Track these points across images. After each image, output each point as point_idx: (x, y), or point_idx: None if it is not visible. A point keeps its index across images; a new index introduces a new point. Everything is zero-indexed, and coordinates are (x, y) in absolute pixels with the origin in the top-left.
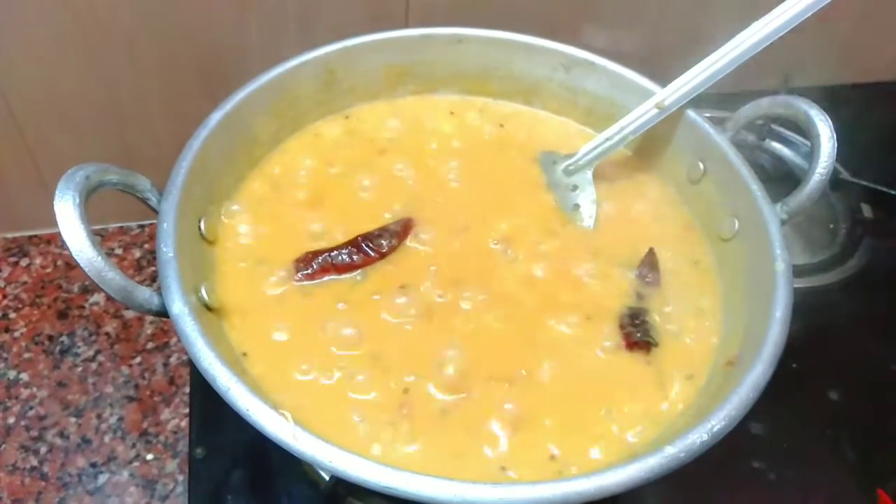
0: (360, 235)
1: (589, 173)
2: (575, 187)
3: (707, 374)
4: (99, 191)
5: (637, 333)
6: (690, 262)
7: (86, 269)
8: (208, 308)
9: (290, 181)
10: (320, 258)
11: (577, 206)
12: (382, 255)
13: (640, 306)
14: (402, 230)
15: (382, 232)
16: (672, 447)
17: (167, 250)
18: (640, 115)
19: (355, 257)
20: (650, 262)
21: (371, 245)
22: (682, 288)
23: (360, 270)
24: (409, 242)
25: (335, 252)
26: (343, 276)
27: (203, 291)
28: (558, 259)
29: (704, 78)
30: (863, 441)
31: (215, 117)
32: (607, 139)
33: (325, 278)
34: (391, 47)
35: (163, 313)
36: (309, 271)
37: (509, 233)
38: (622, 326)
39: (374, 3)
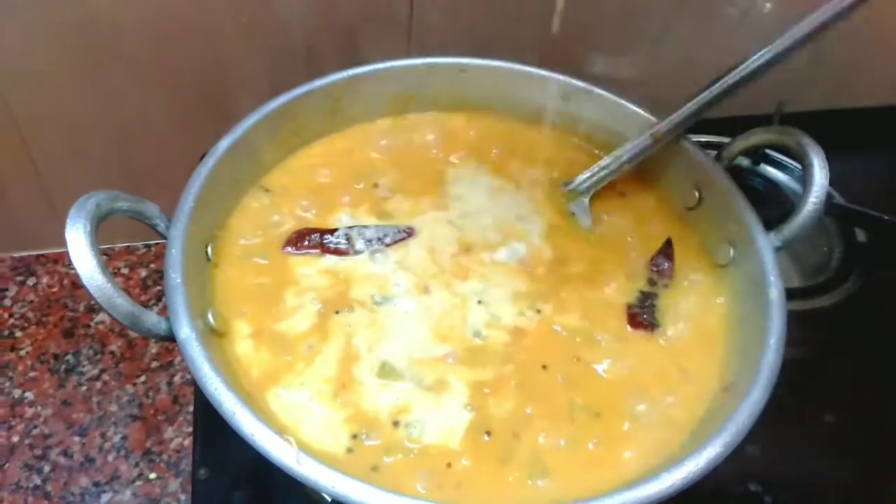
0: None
1: (585, 200)
2: (572, 214)
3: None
4: (109, 218)
5: (643, 315)
6: (693, 280)
7: (95, 296)
8: (215, 332)
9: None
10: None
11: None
12: None
13: (650, 291)
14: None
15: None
16: (668, 474)
17: (175, 276)
18: (636, 145)
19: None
20: (666, 252)
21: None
22: (688, 297)
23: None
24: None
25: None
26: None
27: (210, 316)
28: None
29: (699, 108)
30: (859, 465)
31: (223, 145)
32: (603, 168)
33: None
34: (396, 76)
35: (170, 338)
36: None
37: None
38: (629, 307)
39: (376, 32)
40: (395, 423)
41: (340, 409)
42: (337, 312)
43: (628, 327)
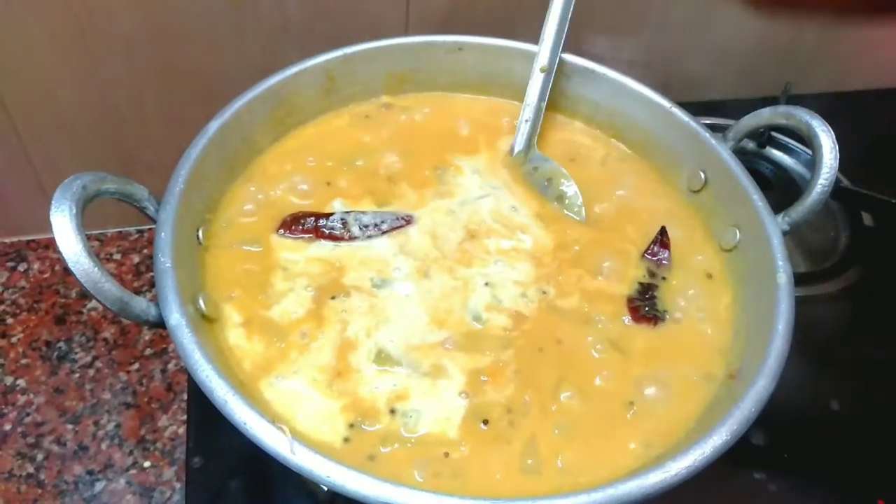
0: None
1: (538, 153)
2: (549, 180)
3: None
4: (96, 200)
5: (645, 307)
6: (697, 265)
7: (82, 280)
8: (205, 318)
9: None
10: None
11: (561, 196)
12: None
13: (650, 282)
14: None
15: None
16: (674, 462)
17: (165, 260)
18: (534, 86)
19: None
20: (662, 242)
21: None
22: (692, 283)
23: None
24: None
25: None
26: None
27: (200, 301)
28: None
29: (558, 24)
30: (863, 451)
31: (213, 126)
32: (525, 120)
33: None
34: (391, 54)
35: (160, 324)
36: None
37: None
38: (630, 300)
39: (374, 11)
40: (393, 412)
41: (337, 398)
42: (332, 298)
43: (629, 319)
